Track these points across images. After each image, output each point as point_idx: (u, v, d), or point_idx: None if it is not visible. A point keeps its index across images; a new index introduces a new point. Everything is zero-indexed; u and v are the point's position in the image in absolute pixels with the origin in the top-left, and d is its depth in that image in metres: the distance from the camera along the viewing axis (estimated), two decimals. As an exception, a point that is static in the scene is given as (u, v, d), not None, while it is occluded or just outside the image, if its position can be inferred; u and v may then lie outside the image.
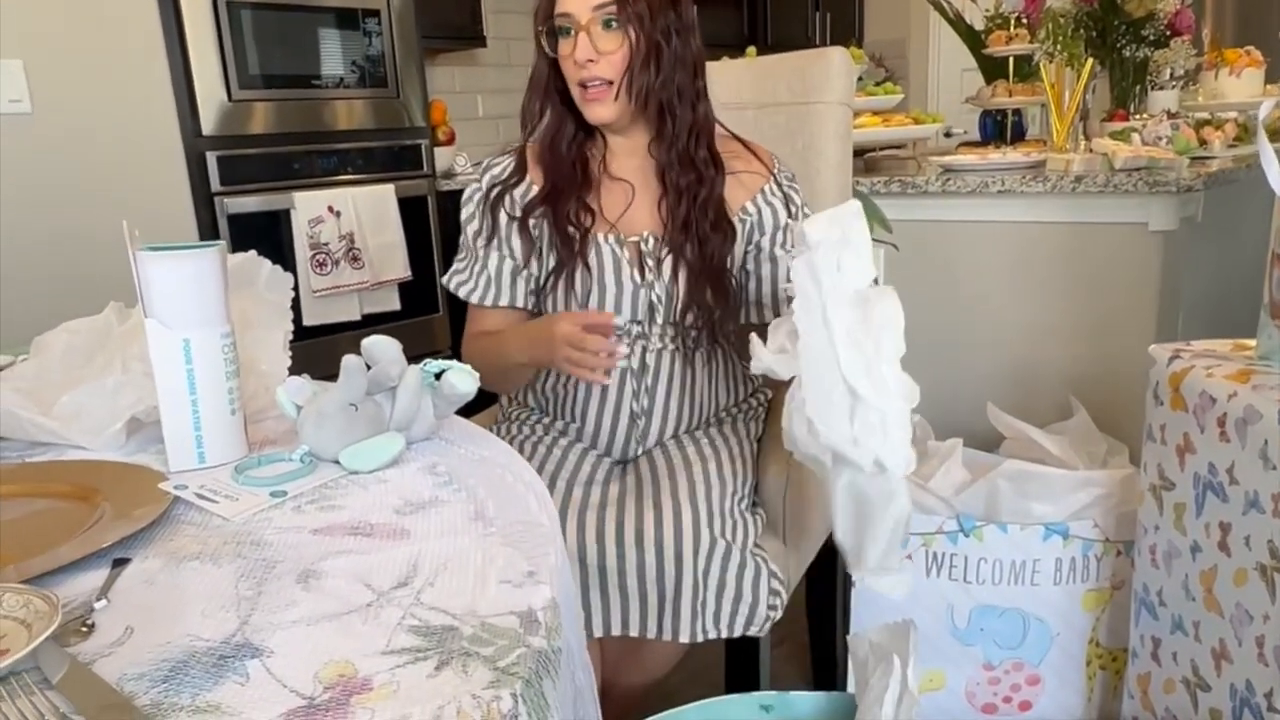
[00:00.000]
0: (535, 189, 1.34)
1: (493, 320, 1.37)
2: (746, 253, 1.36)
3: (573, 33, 1.23)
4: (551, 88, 1.30)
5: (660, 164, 1.31)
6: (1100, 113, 2.67)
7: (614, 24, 1.23)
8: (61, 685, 0.54)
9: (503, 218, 1.34)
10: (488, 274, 1.35)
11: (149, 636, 0.60)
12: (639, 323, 1.32)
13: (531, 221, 1.32)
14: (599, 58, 1.23)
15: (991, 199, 1.94)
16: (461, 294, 1.37)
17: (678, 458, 1.29)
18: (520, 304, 1.36)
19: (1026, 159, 2.06)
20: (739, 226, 1.34)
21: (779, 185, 1.37)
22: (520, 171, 1.35)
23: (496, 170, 1.37)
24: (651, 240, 1.32)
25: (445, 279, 1.41)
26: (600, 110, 1.27)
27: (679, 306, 1.31)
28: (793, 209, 1.37)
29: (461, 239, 1.38)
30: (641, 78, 1.25)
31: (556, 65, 1.28)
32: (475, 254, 1.36)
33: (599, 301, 1.30)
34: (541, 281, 1.34)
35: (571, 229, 1.30)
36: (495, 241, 1.34)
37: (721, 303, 1.31)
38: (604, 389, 1.33)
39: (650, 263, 1.31)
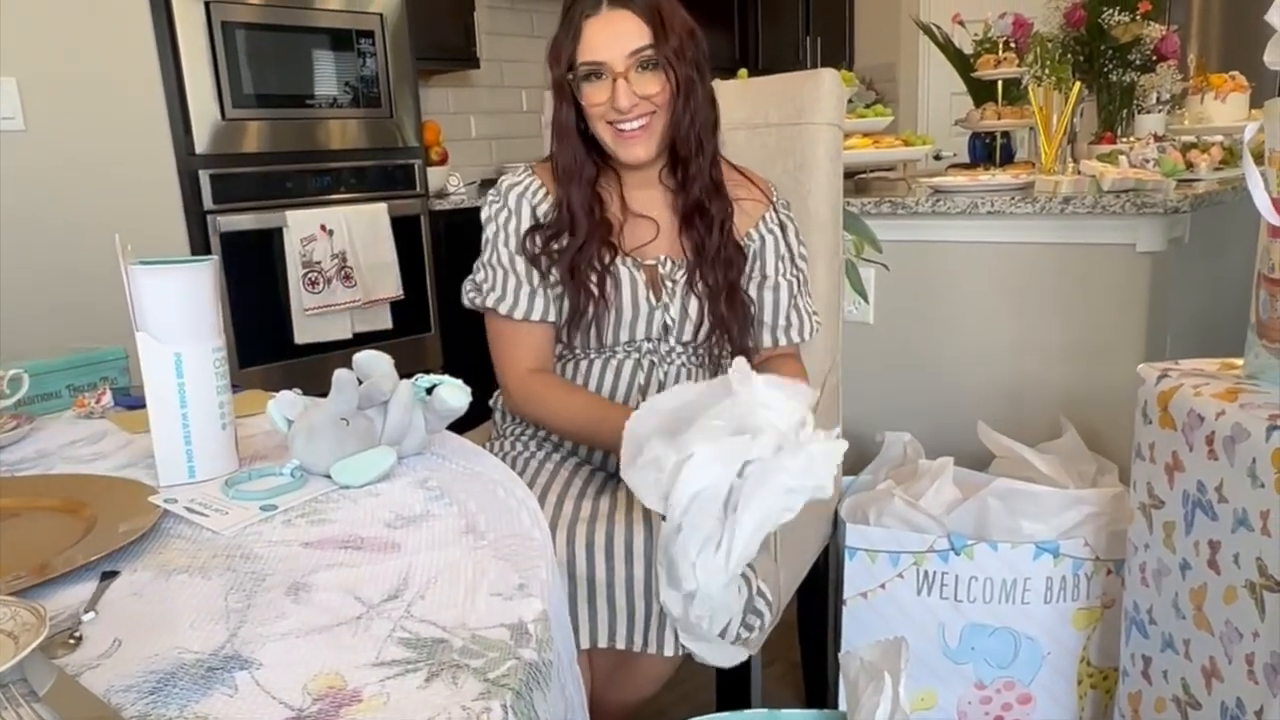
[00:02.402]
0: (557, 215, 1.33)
1: (530, 339, 1.33)
2: (750, 278, 1.39)
3: (606, 78, 1.22)
4: (580, 132, 1.29)
5: (686, 194, 1.32)
6: (1088, 135, 2.70)
7: (653, 66, 1.22)
8: (49, 697, 0.54)
9: (526, 247, 1.33)
10: (528, 287, 1.32)
11: (137, 648, 0.60)
12: (651, 340, 1.34)
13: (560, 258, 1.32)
14: (640, 101, 1.23)
15: (981, 220, 1.95)
16: (498, 308, 1.32)
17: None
18: (552, 316, 1.34)
19: (1015, 181, 2.08)
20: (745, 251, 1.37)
21: (777, 212, 1.40)
22: (563, 219, 1.31)
23: (520, 188, 1.35)
24: (669, 263, 1.34)
25: (466, 296, 1.37)
26: (639, 150, 1.26)
27: (703, 329, 1.34)
28: (789, 235, 1.39)
29: (480, 257, 1.36)
30: (684, 116, 1.25)
31: (577, 107, 1.27)
32: (503, 267, 1.33)
33: (614, 324, 1.32)
34: (561, 312, 1.33)
35: (595, 277, 1.29)
36: (524, 259, 1.32)
37: (742, 319, 1.35)
38: None
39: (667, 284, 1.33)
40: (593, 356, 1.35)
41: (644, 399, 1.33)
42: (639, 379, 1.34)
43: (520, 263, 1.33)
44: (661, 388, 1.34)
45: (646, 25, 1.21)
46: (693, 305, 1.33)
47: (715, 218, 1.31)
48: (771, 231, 1.38)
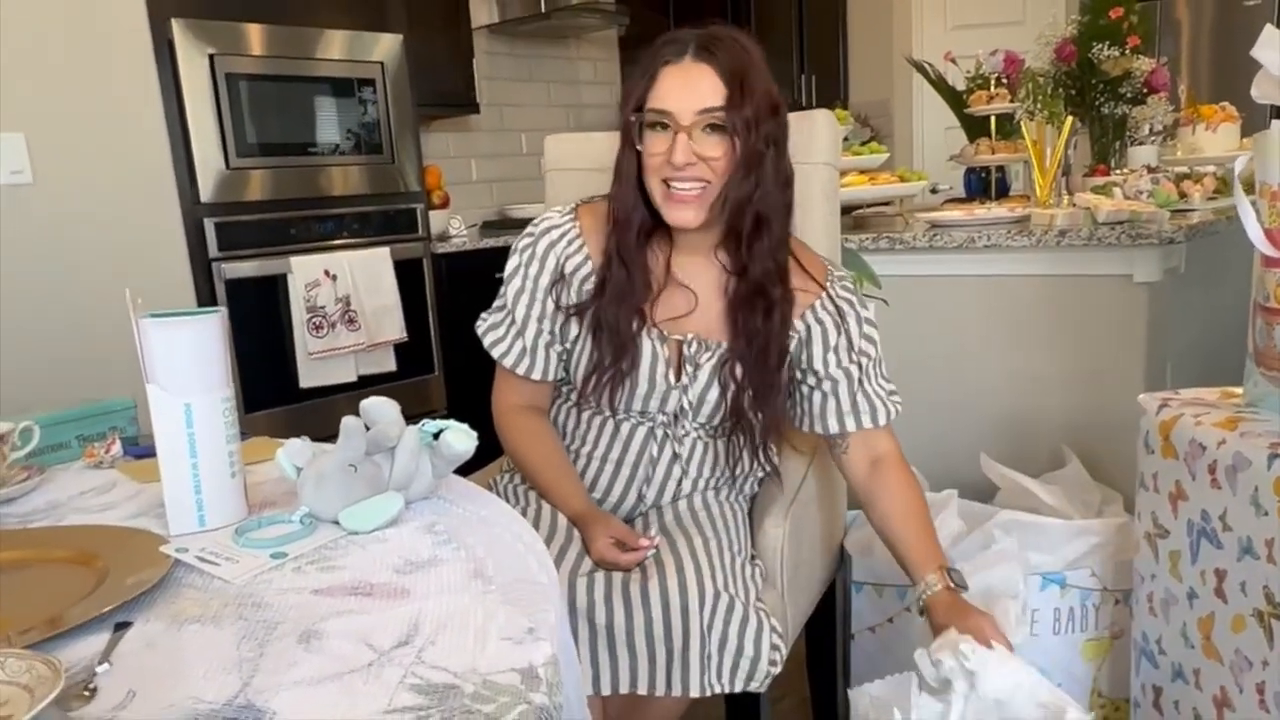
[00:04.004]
0: (593, 265, 1.28)
1: (523, 388, 1.34)
2: (803, 370, 1.33)
3: (670, 130, 1.16)
4: (638, 180, 1.22)
5: (744, 275, 1.24)
6: (1082, 168, 2.73)
7: (720, 129, 1.16)
8: (64, 750, 0.55)
9: (553, 300, 1.29)
10: (523, 343, 1.30)
11: (152, 700, 0.61)
12: (665, 414, 1.31)
13: (583, 314, 1.28)
14: (698, 162, 1.16)
15: (978, 253, 1.97)
16: (494, 354, 1.33)
17: (670, 515, 1.30)
18: (551, 377, 1.33)
19: (1011, 214, 2.10)
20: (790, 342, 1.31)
21: (831, 299, 1.31)
22: (606, 269, 1.27)
23: (555, 235, 1.30)
24: (695, 344, 1.28)
25: (479, 328, 1.35)
26: (685, 214, 1.19)
27: (719, 415, 1.30)
28: (848, 322, 1.31)
29: (502, 290, 1.33)
30: (743, 187, 1.18)
31: (638, 155, 1.21)
32: (513, 316, 1.31)
33: (627, 395, 1.28)
34: (579, 367, 1.30)
35: (615, 346, 1.25)
36: (539, 311, 1.30)
37: (767, 417, 1.29)
38: (617, 468, 1.32)
39: (689, 367, 1.28)
40: (605, 415, 1.32)
41: (654, 471, 1.32)
42: (650, 450, 1.32)
43: (530, 321, 1.30)
44: (675, 459, 1.32)
45: (724, 86, 1.15)
46: (713, 393, 1.28)
47: (775, 305, 1.24)
48: (820, 321, 1.30)
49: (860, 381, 1.31)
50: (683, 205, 1.19)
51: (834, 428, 1.32)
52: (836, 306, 1.31)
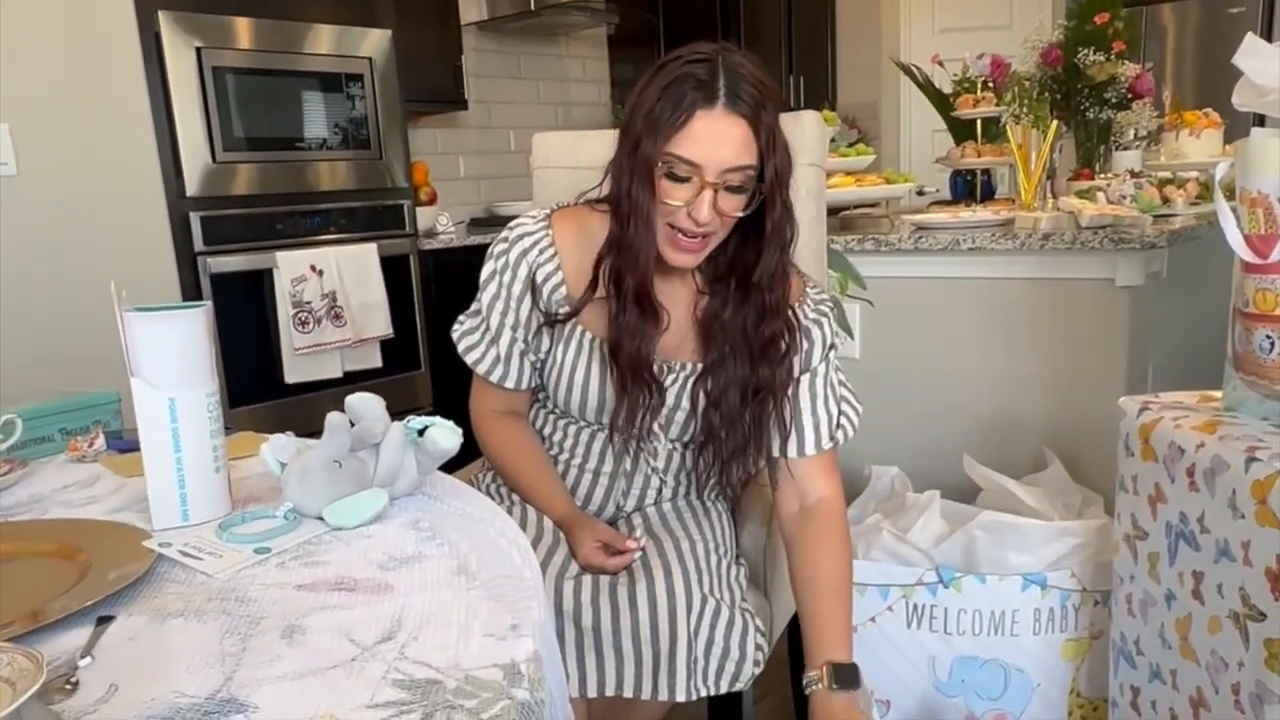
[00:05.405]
0: (564, 275, 1.25)
1: (499, 394, 1.32)
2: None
3: (692, 181, 1.11)
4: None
5: (761, 319, 1.21)
6: (1066, 172, 2.75)
7: (742, 188, 1.12)
8: (46, 743, 0.55)
9: (526, 308, 1.26)
10: (498, 351, 1.29)
11: (134, 693, 0.61)
12: (636, 428, 1.27)
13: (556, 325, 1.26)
14: (714, 218, 1.12)
15: (963, 256, 1.98)
16: (469, 360, 1.31)
17: (655, 516, 1.30)
18: (525, 385, 1.31)
19: (996, 217, 2.11)
20: None
21: (798, 318, 1.25)
22: (591, 287, 1.23)
23: (528, 243, 1.26)
24: (659, 366, 1.25)
25: (454, 333, 1.33)
26: (685, 259, 1.17)
27: (689, 432, 1.28)
28: (808, 344, 1.26)
29: (478, 295, 1.31)
30: (772, 245, 1.17)
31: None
32: (488, 323, 1.29)
33: (597, 409, 1.28)
34: (553, 377, 1.29)
35: (648, 371, 1.21)
36: (513, 320, 1.27)
37: (736, 445, 1.25)
38: (595, 476, 1.32)
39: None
40: (582, 425, 1.32)
41: (630, 482, 1.32)
42: (625, 462, 1.31)
43: (504, 329, 1.28)
44: (653, 471, 1.32)
45: (756, 143, 1.11)
46: (680, 414, 1.26)
47: (789, 350, 1.22)
48: None
49: (794, 398, 1.25)
50: (686, 252, 1.16)
51: (775, 452, 1.27)
52: (803, 325, 1.26)
